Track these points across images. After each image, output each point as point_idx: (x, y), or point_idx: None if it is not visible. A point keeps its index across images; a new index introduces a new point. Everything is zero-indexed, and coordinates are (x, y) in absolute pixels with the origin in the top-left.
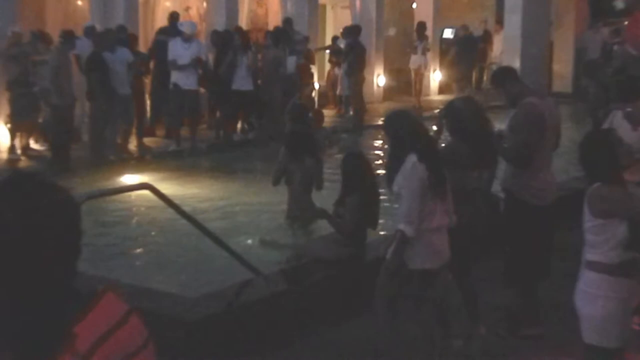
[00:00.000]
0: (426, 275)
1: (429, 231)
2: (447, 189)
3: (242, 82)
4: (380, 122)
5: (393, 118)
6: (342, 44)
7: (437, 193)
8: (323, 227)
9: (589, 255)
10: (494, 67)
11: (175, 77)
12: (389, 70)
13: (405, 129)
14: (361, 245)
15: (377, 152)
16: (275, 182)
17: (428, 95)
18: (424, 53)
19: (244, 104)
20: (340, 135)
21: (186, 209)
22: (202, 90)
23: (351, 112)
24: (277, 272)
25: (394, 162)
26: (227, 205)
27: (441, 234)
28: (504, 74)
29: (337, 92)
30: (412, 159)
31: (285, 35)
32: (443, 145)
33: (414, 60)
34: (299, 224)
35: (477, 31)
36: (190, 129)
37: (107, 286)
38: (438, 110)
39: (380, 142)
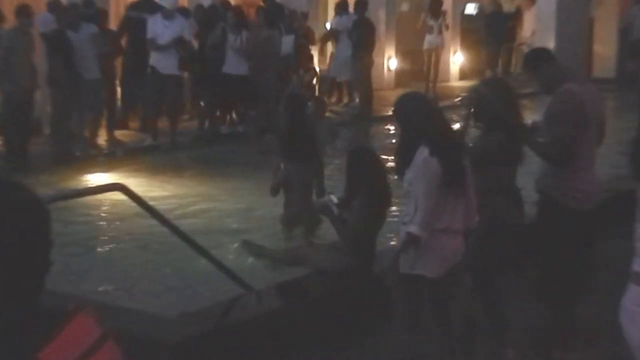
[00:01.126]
0: (432, 284)
1: (435, 232)
2: (467, 187)
3: (235, 65)
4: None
5: (404, 102)
6: (334, 23)
7: (453, 192)
8: (325, 234)
9: (638, 266)
10: (525, 49)
11: (154, 59)
12: (402, 52)
13: (418, 115)
14: (369, 255)
15: (388, 147)
16: (275, 192)
17: (447, 81)
18: (440, 32)
19: (236, 90)
20: (341, 129)
21: (165, 213)
22: (184, 74)
23: (357, 101)
24: (272, 287)
25: (404, 155)
26: (213, 209)
27: (449, 237)
28: (538, 57)
29: (341, 78)
30: (423, 152)
31: (279, 12)
32: (471, 141)
33: (429, 41)
34: (297, 230)
35: (506, 7)
36: (170, 120)
37: (78, 305)
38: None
39: (392, 136)
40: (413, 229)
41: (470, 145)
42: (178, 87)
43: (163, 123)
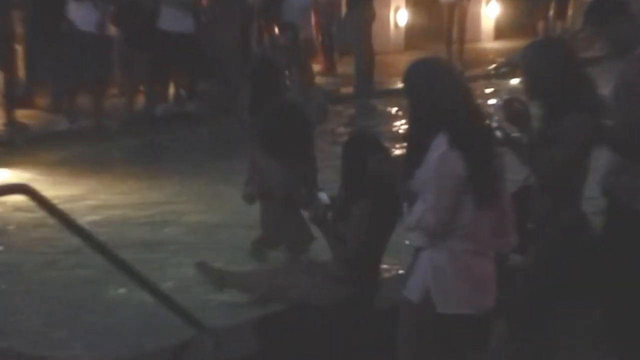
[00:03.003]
0: (462, 324)
1: (467, 254)
2: (500, 196)
3: (173, 19)
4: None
5: (416, 72)
6: None
7: (483, 200)
8: (315, 253)
9: None
10: None
11: (72, 12)
12: (415, 3)
13: (435, 90)
14: (370, 283)
15: (395, 134)
16: (251, 200)
17: (477, 41)
18: None
19: (175, 54)
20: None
21: (86, 223)
22: (113, 33)
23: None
24: (236, 327)
25: (416, 146)
26: (151, 217)
27: (485, 261)
28: (607, 7)
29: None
30: (440, 143)
31: None
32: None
33: None
34: (279, 248)
35: None
36: (94, 97)
37: None
38: (495, 67)
39: (401, 117)
40: (418, 218)
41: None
42: (104, 50)
43: (83, 100)
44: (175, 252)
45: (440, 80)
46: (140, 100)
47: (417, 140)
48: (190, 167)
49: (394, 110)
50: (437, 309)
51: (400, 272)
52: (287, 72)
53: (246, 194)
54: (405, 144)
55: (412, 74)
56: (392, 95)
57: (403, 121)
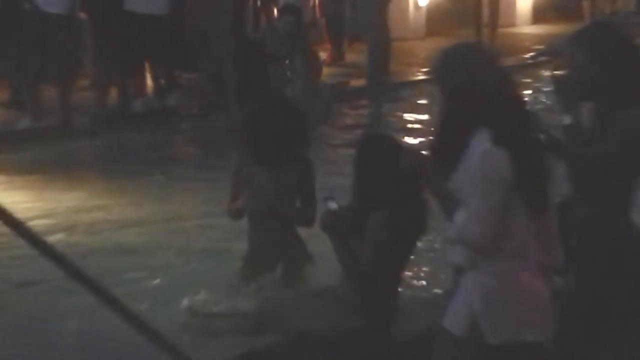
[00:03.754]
0: (518, 354)
1: (518, 272)
2: (549, 203)
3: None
4: (423, 75)
5: (450, 58)
6: None
7: (536, 207)
8: (317, 276)
9: None
10: None
11: None
12: None
13: (474, 77)
14: (385, 310)
15: (417, 133)
16: (237, 216)
17: (511, 25)
18: None
19: (146, 40)
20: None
21: (49, 236)
22: (82, 14)
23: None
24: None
25: (450, 145)
26: (130, 228)
27: (538, 280)
28: None
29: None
30: (482, 140)
31: None
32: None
33: None
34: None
35: None
36: (60, 90)
37: None
38: (535, 55)
39: (425, 113)
40: (459, 228)
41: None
42: (72, 34)
43: (48, 92)
44: (144, 261)
45: (481, 66)
46: (115, 94)
47: (452, 137)
48: (167, 170)
49: (416, 105)
50: (487, 339)
51: (424, 295)
52: (287, 62)
53: (231, 209)
54: (436, 142)
55: (447, 59)
56: (411, 88)
57: (427, 116)
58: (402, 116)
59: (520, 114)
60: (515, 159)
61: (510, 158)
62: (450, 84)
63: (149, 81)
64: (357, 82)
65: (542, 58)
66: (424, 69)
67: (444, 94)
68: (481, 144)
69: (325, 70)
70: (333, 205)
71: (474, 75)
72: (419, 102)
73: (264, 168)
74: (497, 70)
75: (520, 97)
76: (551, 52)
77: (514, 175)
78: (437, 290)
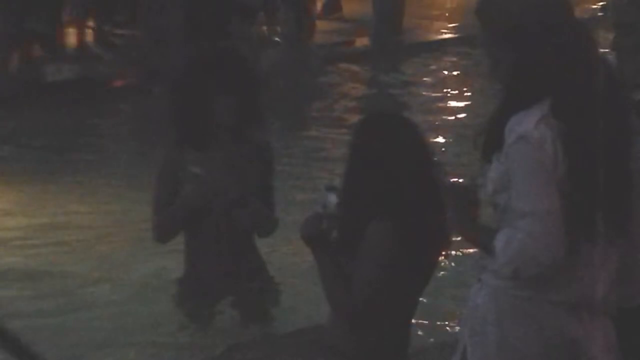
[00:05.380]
0: None
1: (554, 307)
2: (631, 221)
3: None
4: (449, 33)
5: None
6: None
7: (613, 222)
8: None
9: None
10: None
11: None
12: None
13: (538, 16)
14: (386, 356)
15: (440, 111)
16: (166, 237)
17: None
18: None
19: None
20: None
21: None
22: None
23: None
24: None
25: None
26: (33, 237)
27: (581, 324)
28: None
29: None
30: (528, 116)
31: None
32: None
33: None
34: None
35: None
36: None
37: None
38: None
39: (450, 85)
40: (499, 263)
41: None
42: None
43: None
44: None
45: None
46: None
47: (508, 113)
48: (87, 166)
49: (435, 73)
50: None
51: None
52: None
53: (159, 221)
54: (490, 122)
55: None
56: (433, 50)
57: (455, 91)
58: (418, 89)
59: (597, 79)
60: (578, 145)
61: (570, 143)
62: (504, 25)
63: (68, 39)
64: (359, 42)
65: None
66: (451, 25)
67: (492, 47)
68: (526, 119)
69: (320, 25)
70: (332, 198)
71: (540, 13)
72: (442, 70)
73: (204, 154)
74: (569, 14)
75: (597, 56)
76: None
77: (567, 169)
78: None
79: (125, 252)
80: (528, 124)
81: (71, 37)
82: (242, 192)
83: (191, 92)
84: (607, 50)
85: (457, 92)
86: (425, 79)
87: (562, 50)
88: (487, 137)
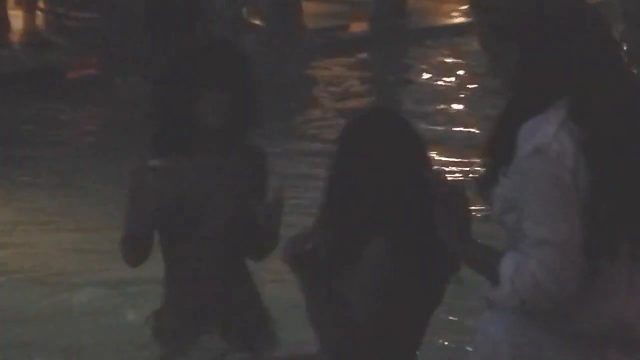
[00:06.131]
0: None
1: (568, 337)
2: None
3: None
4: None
5: None
6: None
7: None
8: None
9: None
10: None
11: None
12: None
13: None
14: None
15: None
16: (138, 258)
17: None
18: None
19: None
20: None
21: None
22: None
23: None
24: None
25: (507, 136)
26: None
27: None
28: None
29: None
30: (557, 113)
31: None
32: None
33: None
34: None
35: None
36: None
37: None
38: None
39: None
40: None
41: None
42: None
43: None
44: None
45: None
46: None
47: (517, 119)
48: (37, 172)
49: (443, 64)
50: None
51: None
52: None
53: (122, 242)
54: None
55: None
56: (441, 36)
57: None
58: (423, 82)
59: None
60: (601, 154)
61: (593, 152)
62: (506, 14)
63: (18, 22)
64: (356, 27)
65: None
66: (463, 7)
67: (491, 40)
68: (543, 127)
69: (309, 7)
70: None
71: (566, 24)
72: (452, 60)
73: (188, 160)
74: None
75: (622, 49)
76: None
77: (594, 184)
78: None
79: None
80: (546, 134)
81: (18, 20)
82: (233, 208)
83: (174, 87)
84: None
85: (469, 85)
86: (431, 69)
87: (583, 42)
88: (493, 148)
